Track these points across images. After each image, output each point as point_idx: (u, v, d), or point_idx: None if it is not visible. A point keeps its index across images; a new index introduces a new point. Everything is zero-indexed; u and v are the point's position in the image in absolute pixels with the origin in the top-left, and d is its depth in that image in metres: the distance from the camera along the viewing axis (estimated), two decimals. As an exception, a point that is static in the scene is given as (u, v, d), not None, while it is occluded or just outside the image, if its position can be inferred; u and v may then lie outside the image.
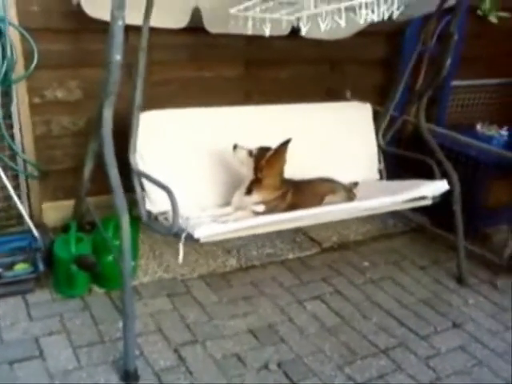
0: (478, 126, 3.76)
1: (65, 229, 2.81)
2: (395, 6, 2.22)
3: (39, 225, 2.68)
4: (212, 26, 2.88)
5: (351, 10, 2.27)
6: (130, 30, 2.62)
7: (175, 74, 3.15)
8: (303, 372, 2.26)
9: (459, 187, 2.91)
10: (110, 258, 2.56)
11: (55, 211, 2.95)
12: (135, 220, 2.59)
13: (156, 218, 2.51)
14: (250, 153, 2.54)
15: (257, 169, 2.52)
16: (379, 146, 3.32)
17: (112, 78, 2.09)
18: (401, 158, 3.34)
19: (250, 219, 2.39)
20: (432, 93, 3.15)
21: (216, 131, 2.81)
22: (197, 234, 2.16)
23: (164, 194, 2.19)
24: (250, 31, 2.54)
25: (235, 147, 2.56)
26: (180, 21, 2.80)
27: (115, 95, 2.18)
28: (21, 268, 2.55)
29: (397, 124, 3.35)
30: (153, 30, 2.64)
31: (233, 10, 2.56)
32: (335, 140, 3.16)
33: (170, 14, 2.78)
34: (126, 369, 2.11)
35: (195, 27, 2.81)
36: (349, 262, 3.11)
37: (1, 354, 2.17)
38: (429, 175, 2.90)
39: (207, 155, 2.78)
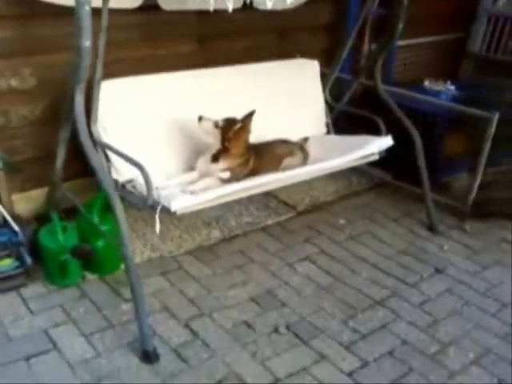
0: (426, 82, 3.90)
1: (41, 219, 2.71)
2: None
3: (15, 218, 2.55)
4: (167, 4, 2.81)
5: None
6: None
7: (129, 54, 3.04)
8: (311, 331, 2.34)
9: (420, 142, 3.05)
10: (100, 243, 2.50)
11: (25, 202, 2.82)
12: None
13: (123, 187, 2.48)
14: (216, 124, 2.56)
15: (224, 139, 2.54)
16: (326, 102, 3.39)
17: (83, 64, 2.01)
18: (348, 115, 3.43)
19: (222, 187, 2.42)
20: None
21: (175, 96, 2.78)
22: (173, 207, 2.20)
23: (128, 163, 2.20)
24: (211, 7, 2.51)
25: (200, 118, 2.55)
26: (135, 0, 2.71)
27: (86, 81, 2.11)
28: (6, 264, 2.44)
29: (353, 86, 3.43)
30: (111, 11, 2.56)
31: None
32: (285, 96, 3.20)
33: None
34: (145, 349, 2.11)
35: (145, 5, 2.74)
36: (326, 221, 3.20)
37: (14, 350, 2.11)
38: (375, 130, 3.03)
39: (168, 121, 2.75)
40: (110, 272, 2.59)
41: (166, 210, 2.24)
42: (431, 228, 3.18)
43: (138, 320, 2.11)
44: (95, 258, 2.47)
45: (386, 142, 2.91)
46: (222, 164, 2.55)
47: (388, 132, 3.00)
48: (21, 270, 2.45)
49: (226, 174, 2.55)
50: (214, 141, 2.57)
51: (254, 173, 2.64)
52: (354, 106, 3.40)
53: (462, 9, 4.47)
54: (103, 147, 2.45)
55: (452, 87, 3.84)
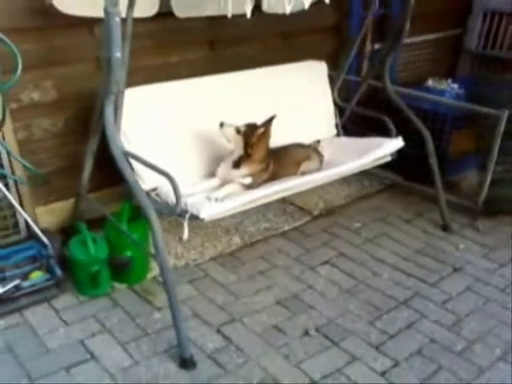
0: (430, 82, 3.99)
1: (65, 232, 2.75)
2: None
3: (42, 231, 2.59)
4: (181, 11, 2.86)
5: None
6: (95, 23, 2.60)
7: (142, 63, 3.07)
8: (340, 332, 2.39)
9: (432, 142, 3.13)
10: (129, 253, 2.54)
11: (49, 215, 2.85)
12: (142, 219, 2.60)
13: (147, 195, 2.51)
14: (238, 130, 2.60)
15: (247, 145, 2.59)
16: (335, 103, 3.46)
17: (114, 76, 2.06)
18: (355, 116, 3.49)
19: (248, 194, 2.48)
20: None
21: (191, 103, 2.82)
22: (202, 215, 2.26)
23: (152, 171, 2.23)
24: (229, 13, 2.58)
25: (222, 125, 2.60)
26: (150, 9, 2.75)
27: (116, 93, 2.15)
28: (37, 276, 2.49)
29: (362, 87, 3.49)
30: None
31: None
32: (296, 98, 3.25)
33: (141, 3, 2.73)
34: (183, 356, 2.15)
35: (158, 13, 2.78)
36: (341, 225, 3.27)
37: (53, 361, 2.14)
38: (382, 131, 3.11)
39: (187, 128, 2.80)
40: (138, 281, 2.63)
41: (194, 218, 2.29)
42: (445, 227, 3.25)
43: (175, 328, 2.15)
44: (131, 268, 2.50)
45: (398, 143, 2.98)
46: (244, 170, 2.60)
47: (397, 133, 3.07)
48: (52, 282, 2.49)
49: (248, 180, 2.60)
50: (235, 147, 2.62)
51: (273, 178, 2.70)
52: (360, 107, 3.47)
53: (459, 5, 4.53)
54: (128, 156, 2.47)
55: (455, 85, 3.92)
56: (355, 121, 3.57)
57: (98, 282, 2.45)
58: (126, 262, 2.47)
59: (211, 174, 2.74)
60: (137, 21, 2.69)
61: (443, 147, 3.52)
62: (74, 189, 2.77)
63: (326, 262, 2.90)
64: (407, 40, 4.12)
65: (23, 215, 2.52)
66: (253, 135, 2.56)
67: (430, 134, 3.14)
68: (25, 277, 2.47)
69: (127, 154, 2.26)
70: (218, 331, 2.36)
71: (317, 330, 2.41)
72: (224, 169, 2.66)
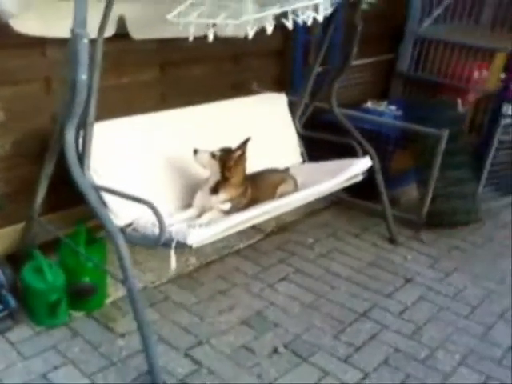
0: (369, 104, 4.15)
1: (15, 258, 2.61)
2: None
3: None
4: (137, 33, 2.82)
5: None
6: (47, 43, 2.53)
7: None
8: (308, 348, 2.42)
9: (378, 162, 3.25)
10: (87, 278, 2.44)
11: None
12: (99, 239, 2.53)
13: (123, 231, 2.44)
14: (213, 155, 2.58)
15: (224, 169, 2.57)
16: (298, 132, 3.52)
17: (78, 99, 1.99)
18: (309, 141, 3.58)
19: (233, 217, 2.45)
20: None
21: (161, 135, 2.78)
22: (189, 241, 2.19)
23: (127, 206, 2.19)
24: (191, 37, 2.58)
25: (196, 152, 2.57)
26: (107, 30, 2.70)
27: (78, 116, 2.09)
28: (-13, 308, 2.32)
29: (309, 110, 3.58)
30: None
31: (169, 16, 2.54)
32: (261, 131, 3.24)
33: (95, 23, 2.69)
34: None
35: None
36: (294, 241, 3.31)
37: (15, 401, 2.00)
38: (344, 153, 3.19)
39: (158, 160, 2.74)
40: (97, 308, 2.53)
41: (180, 246, 2.21)
42: (392, 240, 3.37)
43: (146, 355, 2.09)
44: (94, 294, 2.40)
45: (367, 162, 3.06)
46: (223, 195, 2.55)
47: (338, 151, 3.19)
48: (4, 314, 2.34)
49: (227, 206, 2.56)
50: (211, 172, 2.58)
51: (251, 203, 2.65)
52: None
53: (392, 31, 4.76)
54: (99, 191, 2.36)
55: (393, 107, 4.10)
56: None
57: (56, 311, 2.33)
58: (90, 289, 2.37)
59: (187, 205, 2.68)
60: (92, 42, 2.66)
61: (385, 165, 3.65)
62: (21, 213, 2.63)
63: (284, 279, 2.93)
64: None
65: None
66: (230, 158, 2.54)
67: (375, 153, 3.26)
68: (-25, 309, 2.30)
69: (96, 188, 2.18)
70: (187, 355, 2.31)
71: (285, 346, 2.41)
72: (201, 197, 2.61)
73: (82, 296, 2.40)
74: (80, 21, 1.89)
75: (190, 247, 2.21)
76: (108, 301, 2.60)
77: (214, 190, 2.58)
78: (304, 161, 3.50)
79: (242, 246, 3.20)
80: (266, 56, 3.87)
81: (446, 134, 3.19)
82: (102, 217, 2.08)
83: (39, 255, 2.40)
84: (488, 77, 4.72)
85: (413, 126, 3.35)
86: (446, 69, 4.70)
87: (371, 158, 3.22)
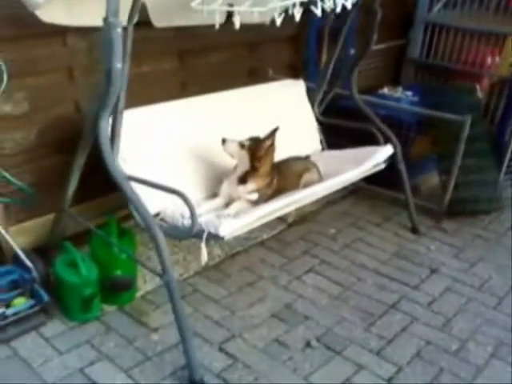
0: (385, 90, 4.11)
1: (44, 251, 2.60)
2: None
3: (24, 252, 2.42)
4: (159, 20, 2.78)
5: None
6: (67, 32, 2.49)
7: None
8: (340, 341, 2.42)
9: (400, 149, 3.23)
10: (119, 272, 2.43)
11: (21, 235, 2.65)
12: (129, 230, 2.52)
13: None
14: (242, 145, 2.55)
15: (254, 159, 2.54)
16: (317, 119, 3.50)
17: (113, 88, 1.96)
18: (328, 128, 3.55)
19: (264, 207, 2.44)
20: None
21: (186, 124, 2.76)
22: (222, 233, 2.17)
23: (153, 195, 2.17)
24: (217, 24, 2.54)
25: (224, 141, 2.55)
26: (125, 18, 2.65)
27: (113, 105, 2.06)
28: (20, 303, 2.32)
29: (328, 97, 3.55)
30: (91, 29, 2.48)
31: (194, 4, 2.50)
32: (280, 118, 3.21)
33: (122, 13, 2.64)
34: (193, 379, 2.09)
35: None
36: (317, 231, 3.30)
37: (55, 397, 2.00)
38: (362, 141, 3.17)
39: (183, 149, 2.73)
40: (128, 302, 2.53)
41: (212, 237, 2.20)
42: (414, 230, 3.36)
43: (184, 350, 2.09)
44: (131, 288, 2.39)
45: (389, 150, 3.04)
46: (251, 185, 2.54)
47: (356, 139, 3.17)
48: (37, 309, 2.33)
49: (255, 196, 2.55)
50: (239, 162, 2.56)
51: (277, 192, 2.64)
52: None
53: (402, 17, 4.71)
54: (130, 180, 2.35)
55: (409, 93, 4.06)
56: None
57: (90, 306, 2.33)
58: (127, 283, 2.37)
59: (213, 194, 2.67)
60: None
61: (405, 152, 3.62)
62: (48, 205, 2.63)
63: (310, 270, 2.92)
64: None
65: (4, 237, 2.34)
66: (260, 148, 2.51)
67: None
68: (7, 304, 2.29)
69: (131, 179, 2.15)
70: (221, 349, 2.32)
71: (317, 340, 2.41)
72: (228, 186, 2.59)
73: (118, 290, 2.40)
74: (113, 10, 1.86)
75: (222, 239, 2.19)
76: (139, 294, 2.59)
77: (242, 180, 2.56)
78: (323, 148, 3.48)
79: (265, 236, 3.20)
80: (281, 43, 3.83)
81: (468, 119, 3.16)
82: (139, 208, 2.06)
83: (72, 248, 2.39)
84: (500, 62, 4.69)
85: (435, 112, 3.31)
86: (458, 54, 4.63)
87: (394, 146, 3.20)
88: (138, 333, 2.36)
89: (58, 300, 2.40)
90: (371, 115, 3.31)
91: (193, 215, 2.04)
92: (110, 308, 2.49)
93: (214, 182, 2.73)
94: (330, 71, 3.45)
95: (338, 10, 2.54)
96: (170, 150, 2.66)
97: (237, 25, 2.50)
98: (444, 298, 2.77)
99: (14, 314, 2.28)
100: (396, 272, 2.95)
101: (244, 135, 2.62)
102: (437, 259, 3.09)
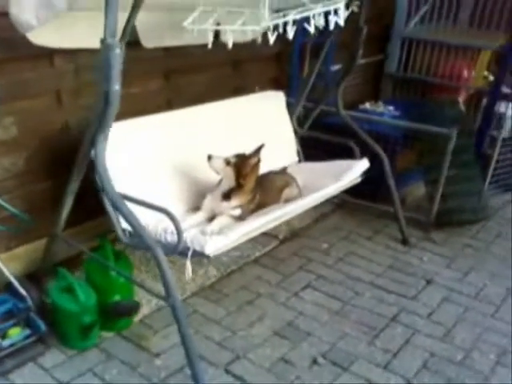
0: (367, 105, 4.16)
1: (35, 277, 2.51)
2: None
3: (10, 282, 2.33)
4: (148, 41, 2.76)
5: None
6: (54, 53, 2.45)
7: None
8: (346, 357, 2.40)
9: (388, 162, 3.26)
10: (117, 296, 2.36)
11: (12, 262, 2.56)
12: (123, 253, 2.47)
13: (131, 235, 2.37)
14: (228, 162, 2.53)
15: (239, 176, 2.53)
16: (295, 131, 3.50)
17: (111, 110, 1.92)
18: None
19: (248, 224, 2.42)
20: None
21: (165, 138, 2.71)
22: (207, 251, 2.16)
23: (137, 209, 2.11)
24: (210, 44, 2.55)
25: (210, 158, 2.52)
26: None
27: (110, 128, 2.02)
28: (15, 334, 2.22)
29: (315, 112, 3.56)
30: (78, 51, 2.48)
31: (185, 23, 2.50)
32: (260, 129, 3.25)
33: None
34: (204, 405, 2.03)
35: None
36: (309, 247, 3.28)
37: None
38: (338, 154, 3.23)
39: (164, 163, 2.69)
40: (126, 327, 2.45)
41: (197, 255, 2.19)
42: (404, 242, 3.38)
43: (194, 376, 2.05)
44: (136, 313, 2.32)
45: (364, 164, 3.06)
46: (235, 201, 2.53)
47: (336, 154, 3.22)
48: (34, 338, 2.24)
49: (238, 211, 2.54)
50: (224, 178, 2.54)
51: (259, 206, 2.66)
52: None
53: (381, 31, 4.78)
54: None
55: (391, 107, 4.11)
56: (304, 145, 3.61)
57: (89, 333, 2.24)
58: (135, 308, 2.28)
59: (195, 208, 2.65)
60: (92, 51, 2.57)
61: (392, 166, 3.66)
62: (38, 231, 2.56)
63: (307, 286, 2.90)
64: (338, 66, 4.28)
65: (-1, 267, 2.25)
66: (246, 166, 2.51)
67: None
68: (3, 335, 2.19)
69: (124, 197, 2.10)
70: (227, 371, 2.26)
71: (323, 357, 2.38)
72: (211, 201, 2.58)
73: (123, 316, 2.31)
74: (111, 30, 1.82)
75: (208, 257, 2.19)
76: (136, 319, 2.51)
77: (227, 196, 2.55)
78: (300, 160, 3.47)
79: (258, 254, 3.17)
80: (265, 60, 3.85)
81: (455, 132, 3.21)
82: (137, 229, 2.01)
83: (67, 273, 2.31)
84: (475, 74, 4.81)
85: (423, 125, 3.36)
86: (436, 68, 4.75)
87: (381, 161, 3.23)
88: (141, 358, 2.28)
89: (54, 328, 2.31)
90: (358, 131, 3.34)
91: (179, 233, 2.01)
92: (108, 334, 2.41)
93: (196, 195, 2.71)
94: (310, 84, 3.45)
95: (331, 27, 2.56)
96: (150, 164, 2.62)
97: (230, 44, 2.51)
98: (442, 308, 2.77)
99: (11, 345, 2.18)
100: (392, 284, 2.95)
101: (225, 147, 2.62)
102: (430, 270, 3.11)
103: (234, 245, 2.30)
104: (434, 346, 2.49)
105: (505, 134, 4.04)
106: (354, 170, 2.99)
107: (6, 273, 2.25)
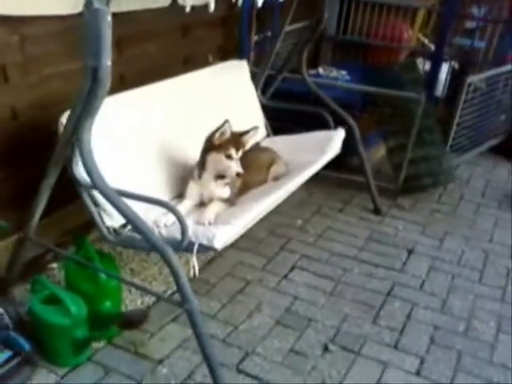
0: (320, 70, 4.02)
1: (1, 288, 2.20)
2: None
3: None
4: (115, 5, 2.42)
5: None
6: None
7: (54, 70, 2.56)
8: (354, 340, 2.32)
9: (358, 130, 3.17)
10: (108, 303, 2.10)
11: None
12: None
13: (116, 232, 2.13)
14: (228, 155, 2.31)
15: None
16: (261, 103, 3.31)
17: (102, 90, 1.65)
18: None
19: (252, 208, 2.23)
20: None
21: (130, 117, 2.41)
22: (217, 244, 1.97)
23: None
24: (188, 7, 2.33)
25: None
26: (75, 4, 2.27)
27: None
28: (-5, 357, 1.91)
29: (277, 81, 3.38)
30: (22, 19, 2.17)
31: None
32: (227, 102, 3.01)
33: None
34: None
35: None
36: (285, 224, 3.15)
37: None
38: (307, 125, 3.08)
39: (139, 148, 2.41)
40: (116, 334, 2.20)
41: (204, 249, 1.98)
42: (376, 211, 3.32)
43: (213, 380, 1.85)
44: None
45: (341, 134, 2.95)
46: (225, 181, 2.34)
47: (301, 123, 3.11)
48: (18, 360, 1.93)
49: (227, 192, 2.35)
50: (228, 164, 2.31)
51: (245, 187, 2.49)
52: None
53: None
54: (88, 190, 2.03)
55: (345, 72, 4.00)
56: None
57: (82, 348, 1.98)
58: (145, 315, 2.03)
59: (176, 197, 2.45)
60: (40, 20, 2.24)
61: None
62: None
63: (294, 267, 2.78)
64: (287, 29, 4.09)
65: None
66: (241, 142, 2.34)
67: (338, 119, 3.14)
68: (-20, 362, 1.88)
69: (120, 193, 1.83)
70: (240, 371, 2.10)
71: (332, 342, 2.27)
72: (195, 187, 2.37)
73: (134, 327, 2.05)
74: None
75: (215, 250, 2.01)
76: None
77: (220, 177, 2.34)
78: (268, 134, 3.29)
79: (234, 236, 2.96)
80: (211, 26, 3.58)
81: (423, 96, 3.17)
82: (140, 227, 1.76)
83: (47, 281, 2.01)
84: (413, 34, 4.82)
85: (391, 91, 3.29)
86: (376, 30, 4.69)
87: (352, 128, 3.13)
88: (143, 368, 2.06)
89: (39, 346, 2.01)
90: (325, 98, 3.22)
91: (184, 229, 1.81)
92: (97, 344, 2.14)
93: (177, 182, 2.49)
94: (275, 50, 3.27)
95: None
96: (121, 151, 2.32)
97: (188, 7, 2.29)
98: (431, 278, 2.76)
99: (-8, 371, 1.87)
100: (376, 257, 2.89)
101: (193, 124, 2.53)
102: (407, 238, 3.09)
103: (240, 233, 2.10)
104: (435, 318, 2.46)
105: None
106: (335, 141, 2.86)
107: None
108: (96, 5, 1.54)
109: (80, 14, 2.03)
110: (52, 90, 2.46)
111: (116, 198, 1.79)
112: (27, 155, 2.37)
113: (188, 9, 2.48)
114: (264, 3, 3.37)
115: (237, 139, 2.31)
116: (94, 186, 1.80)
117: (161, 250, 1.77)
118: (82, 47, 1.70)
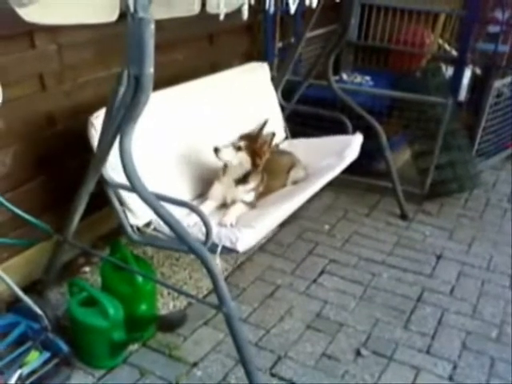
0: (344, 75, 4.03)
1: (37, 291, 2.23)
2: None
3: (18, 299, 2.04)
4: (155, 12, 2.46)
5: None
6: (34, 32, 2.16)
7: (88, 78, 2.60)
8: (386, 345, 2.32)
9: (385, 136, 3.17)
10: (144, 306, 2.13)
11: (6, 275, 2.25)
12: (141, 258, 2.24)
13: (139, 231, 2.16)
14: (238, 147, 2.35)
15: (256, 157, 2.36)
16: (281, 105, 3.33)
17: (144, 97, 1.67)
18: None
19: (274, 211, 2.29)
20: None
21: (158, 119, 2.43)
22: (240, 247, 2.03)
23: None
24: (222, 15, 2.35)
25: (217, 150, 2.31)
26: (111, 12, 2.30)
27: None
28: (33, 360, 1.95)
29: (303, 87, 3.40)
30: (60, 28, 2.24)
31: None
32: (247, 102, 3.04)
33: (102, 4, 2.30)
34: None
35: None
36: (312, 229, 3.16)
37: None
38: (322, 129, 3.15)
39: (163, 150, 2.44)
40: (150, 336, 2.22)
41: (226, 251, 2.03)
42: (403, 216, 3.32)
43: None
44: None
45: (359, 138, 2.97)
46: (252, 183, 2.38)
47: (321, 129, 3.15)
48: (56, 361, 1.97)
49: (251, 196, 2.38)
50: (238, 164, 2.35)
51: (266, 191, 2.52)
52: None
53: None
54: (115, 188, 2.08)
55: (369, 78, 4.01)
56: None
57: (119, 350, 2.00)
58: (184, 318, 2.06)
59: (197, 196, 2.50)
60: (75, 29, 2.28)
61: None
62: (39, 234, 2.25)
63: (322, 272, 2.79)
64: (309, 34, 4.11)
65: (6, 281, 1.94)
66: (262, 145, 2.36)
67: (360, 125, 3.14)
68: (21, 364, 1.91)
69: (114, 186, 1.87)
70: (273, 374, 2.12)
71: (365, 347, 2.28)
72: (220, 188, 2.41)
73: (174, 330, 2.07)
74: (143, 2, 1.55)
75: (237, 252, 2.05)
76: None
77: (242, 181, 2.38)
78: (287, 137, 3.31)
79: (262, 241, 2.98)
80: (237, 32, 3.62)
81: (451, 101, 3.16)
82: (179, 230, 1.78)
83: (85, 284, 2.04)
84: (433, 40, 4.81)
85: (419, 96, 3.29)
86: (397, 35, 4.69)
87: (378, 133, 3.14)
88: (178, 371, 2.08)
89: (76, 348, 2.04)
90: (352, 104, 3.22)
91: (208, 230, 1.84)
92: (132, 347, 2.17)
93: (198, 182, 2.54)
94: (296, 55, 3.30)
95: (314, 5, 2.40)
96: (145, 152, 2.35)
97: (222, 15, 2.32)
98: (461, 283, 2.75)
99: (32, 372, 1.91)
100: (404, 262, 2.89)
101: (214, 127, 2.56)
102: (435, 244, 3.08)
103: (262, 236, 2.13)
104: (466, 323, 2.46)
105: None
106: (353, 145, 2.88)
107: (17, 291, 1.95)
108: (141, 14, 1.56)
109: (116, 23, 2.11)
110: (86, 98, 2.50)
111: (155, 201, 1.81)
112: (63, 161, 2.41)
113: (222, 17, 2.50)
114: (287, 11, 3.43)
115: (256, 140, 2.34)
116: (134, 189, 1.82)
117: (199, 252, 1.80)
118: (123, 55, 1.79)
